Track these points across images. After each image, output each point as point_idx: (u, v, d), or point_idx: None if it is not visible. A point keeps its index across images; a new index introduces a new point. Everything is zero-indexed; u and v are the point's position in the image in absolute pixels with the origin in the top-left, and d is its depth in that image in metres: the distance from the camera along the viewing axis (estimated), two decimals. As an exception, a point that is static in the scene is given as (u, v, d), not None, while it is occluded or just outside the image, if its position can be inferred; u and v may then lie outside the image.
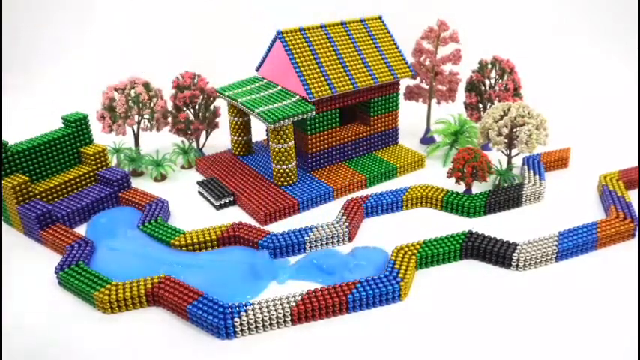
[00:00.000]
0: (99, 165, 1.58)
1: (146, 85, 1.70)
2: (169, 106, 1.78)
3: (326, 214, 1.48)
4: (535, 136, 1.47)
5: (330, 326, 1.10)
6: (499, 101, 1.75)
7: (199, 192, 1.62)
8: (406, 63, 1.70)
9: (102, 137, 1.80)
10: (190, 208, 1.55)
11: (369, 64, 1.64)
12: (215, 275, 1.24)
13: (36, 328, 1.11)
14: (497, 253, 1.25)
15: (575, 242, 1.27)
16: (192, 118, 1.77)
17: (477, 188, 1.57)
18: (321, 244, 1.33)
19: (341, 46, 1.63)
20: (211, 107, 1.79)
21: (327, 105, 1.58)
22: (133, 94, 1.68)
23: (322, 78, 1.55)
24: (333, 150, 1.67)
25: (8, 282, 1.25)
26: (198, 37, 2.64)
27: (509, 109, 1.52)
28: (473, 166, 1.46)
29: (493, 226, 1.41)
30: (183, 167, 1.79)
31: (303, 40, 1.59)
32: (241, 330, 1.07)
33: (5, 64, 2.57)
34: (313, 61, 1.57)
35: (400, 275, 1.17)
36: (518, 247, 1.25)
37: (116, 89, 1.68)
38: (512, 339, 1.05)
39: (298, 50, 1.57)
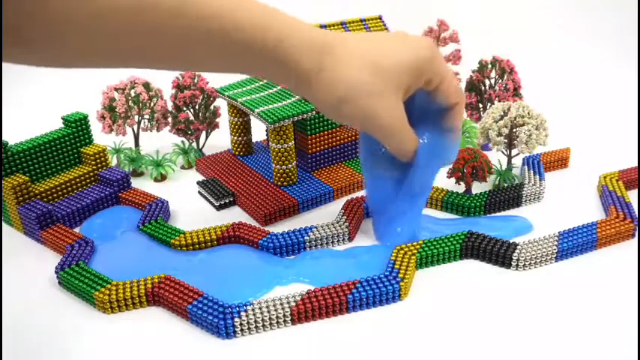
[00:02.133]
0: (99, 165, 1.58)
1: (146, 85, 1.70)
2: (169, 106, 1.78)
3: (326, 214, 1.48)
4: (535, 136, 1.47)
5: (330, 326, 1.10)
6: (499, 101, 1.75)
7: (199, 192, 1.62)
8: (406, 63, 1.70)
9: (102, 137, 1.80)
10: (190, 208, 1.55)
11: (369, 64, 1.64)
12: (215, 275, 1.24)
13: (36, 328, 1.11)
14: (497, 253, 1.25)
15: (575, 242, 1.27)
16: (192, 118, 1.77)
17: (477, 188, 1.57)
18: (321, 244, 1.33)
19: (341, 46, 1.63)
20: (211, 107, 1.79)
21: (327, 105, 1.58)
22: (133, 94, 1.69)
23: (322, 78, 1.55)
24: (333, 150, 1.67)
25: (8, 282, 1.25)
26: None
27: (509, 109, 1.52)
28: (473, 166, 1.46)
29: (493, 226, 1.41)
30: (183, 167, 1.79)
31: (303, 40, 1.58)
32: (241, 330, 1.07)
33: (5, 64, 2.57)
34: (313, 61, 1.57)
35: (400, 275, 1.17)
36: (518, 247, 1.25)
37: (116, 89, 1.68)
38: (513, 339, 1.05)
39: (298, 50, 1.57)
